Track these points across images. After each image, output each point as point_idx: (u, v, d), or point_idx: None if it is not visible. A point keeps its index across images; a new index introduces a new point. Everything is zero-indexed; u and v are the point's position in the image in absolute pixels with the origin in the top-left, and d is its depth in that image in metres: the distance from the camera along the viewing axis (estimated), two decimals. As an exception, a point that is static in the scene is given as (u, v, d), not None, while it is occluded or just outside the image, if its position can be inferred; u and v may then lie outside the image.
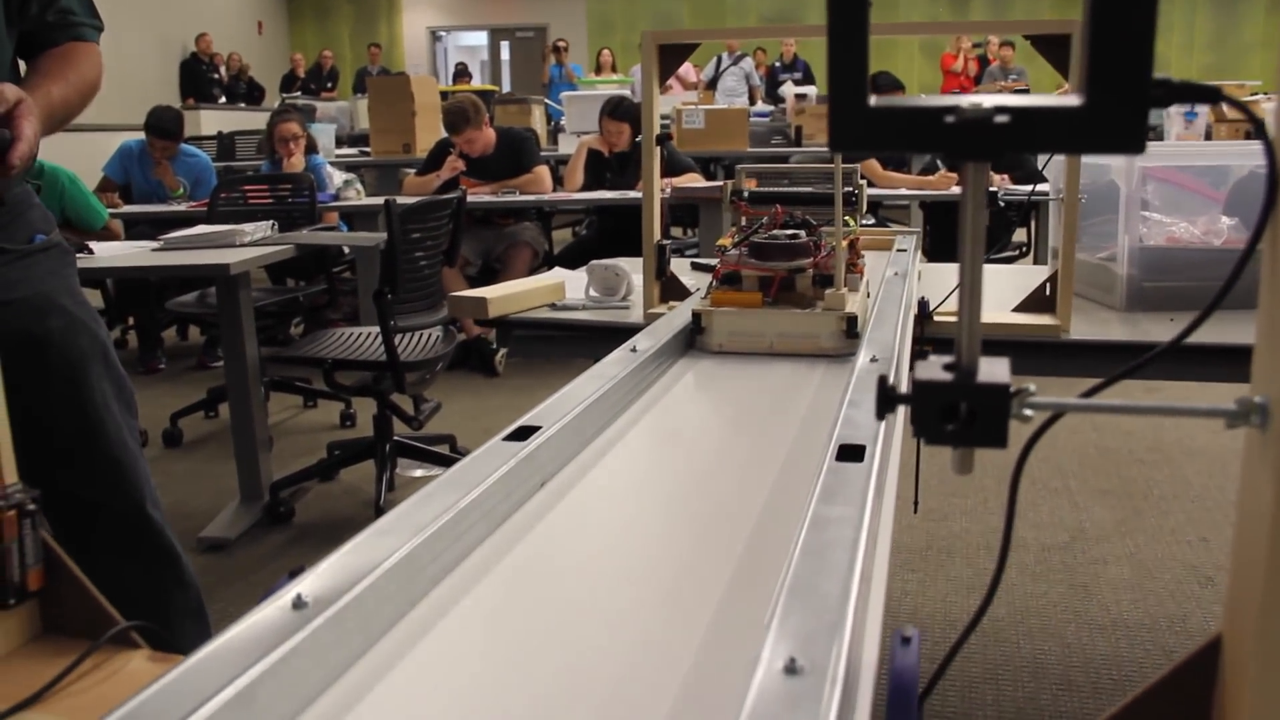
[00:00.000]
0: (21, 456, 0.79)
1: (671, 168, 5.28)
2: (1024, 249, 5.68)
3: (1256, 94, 7.47)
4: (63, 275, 1.60)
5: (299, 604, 0.65)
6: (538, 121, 7.85)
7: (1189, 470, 3.63)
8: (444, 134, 5.49)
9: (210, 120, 10.58)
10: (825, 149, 7.13)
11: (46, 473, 1.45)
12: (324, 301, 4.69)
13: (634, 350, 1.30)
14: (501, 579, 0.79)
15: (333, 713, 0.62)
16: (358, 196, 5.49)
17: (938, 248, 4.95)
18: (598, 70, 13.24)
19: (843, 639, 0.58)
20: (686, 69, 11.62)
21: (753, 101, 11.23)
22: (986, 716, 2.23)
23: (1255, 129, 0.51)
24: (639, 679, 0.66)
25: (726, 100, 10.78)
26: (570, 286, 2.09)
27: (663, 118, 1.70)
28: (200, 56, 14.27)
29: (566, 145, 7.18)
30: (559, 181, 5.68)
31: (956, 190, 5.05)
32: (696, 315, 1.48)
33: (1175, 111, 6.40)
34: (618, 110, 5.47)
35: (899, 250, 2.22)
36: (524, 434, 0.96)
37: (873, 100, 0.48)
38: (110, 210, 4.88)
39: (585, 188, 5.53)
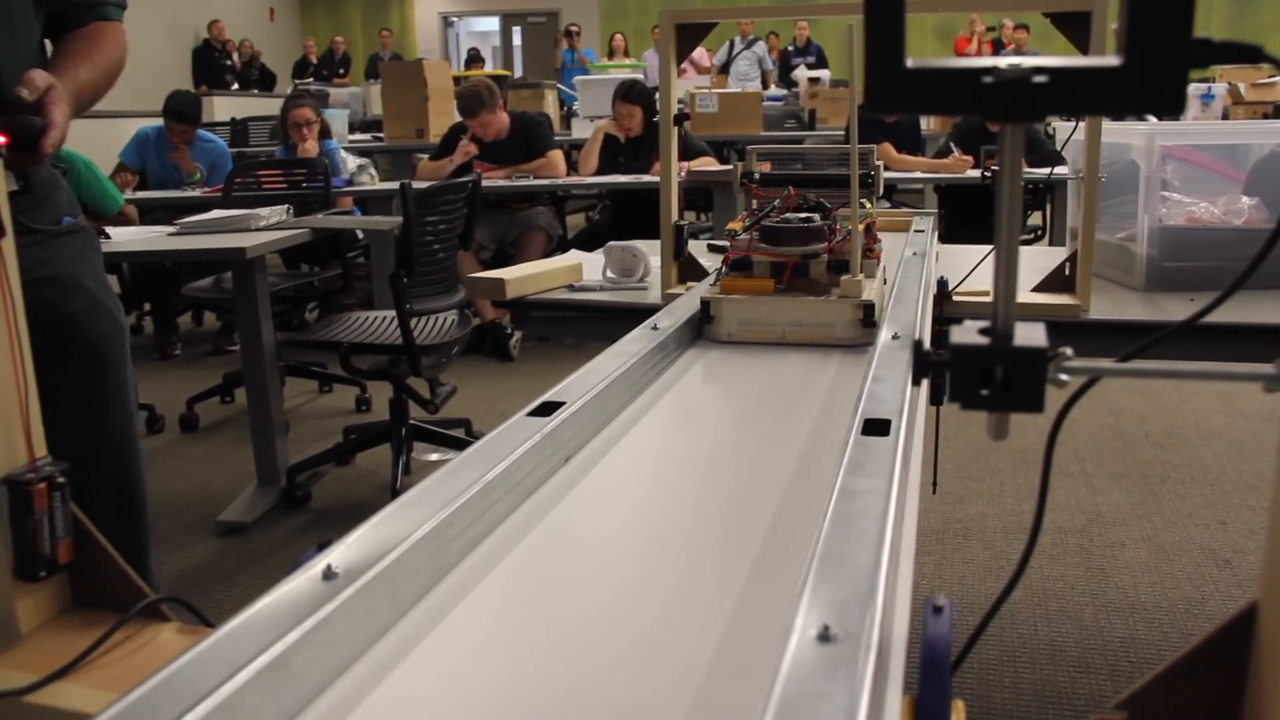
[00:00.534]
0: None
1: (686, 151, 5.27)
2: (1039, 232, 5.66)
3: (1275, 76, 7.41)
4: (88, 258, 1.61)
5: (329, 575, 0.65)
6: (551, 106, 7.84)
7: (1206, 454, 3.61)
8: (457, 119, 5.49)
9: (223, 106, 10.58)
10: (840, 133, 7.10)
11: (50, 453, 1.46)
12: (339, 286, 4.69)
13: (655, 328, 1.30)
14: (530, 551, 0.79)
15: (365, 682, 0.62)
16: (372, 181, 5.49)
17: (953, 230, 4.93)
18: (610, 55, 13.21)
19: (875, 608, 0.57)
20: (700, 53, 11.59)
21: (765, 86, 11.19)
22: (1004, 698, 2.23)
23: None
24: (670, 648, 0.66)
25: (739, 85, 10.75)
26: (587, 268, 2.09)
27: (678, 103, 1.70)
28: (213, 43, 14.28)
29: (580, 130, 7.17)
30: (573, 166, 5.68)
31: (972, 173, 5.03)
32: (705, 303, 1.42)
33: (1191, 93, 6.36)
34: (630, 93, 5.46)
35: (917, 231, 2.22)
36: (548, 409, 0.96)
37: (909, 62, 0.47)
38: (125, 196, 4.89)
39: (599, 172, 5.52)
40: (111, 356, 1.61)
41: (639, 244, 2.09)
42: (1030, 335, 0.49)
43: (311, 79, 13.91)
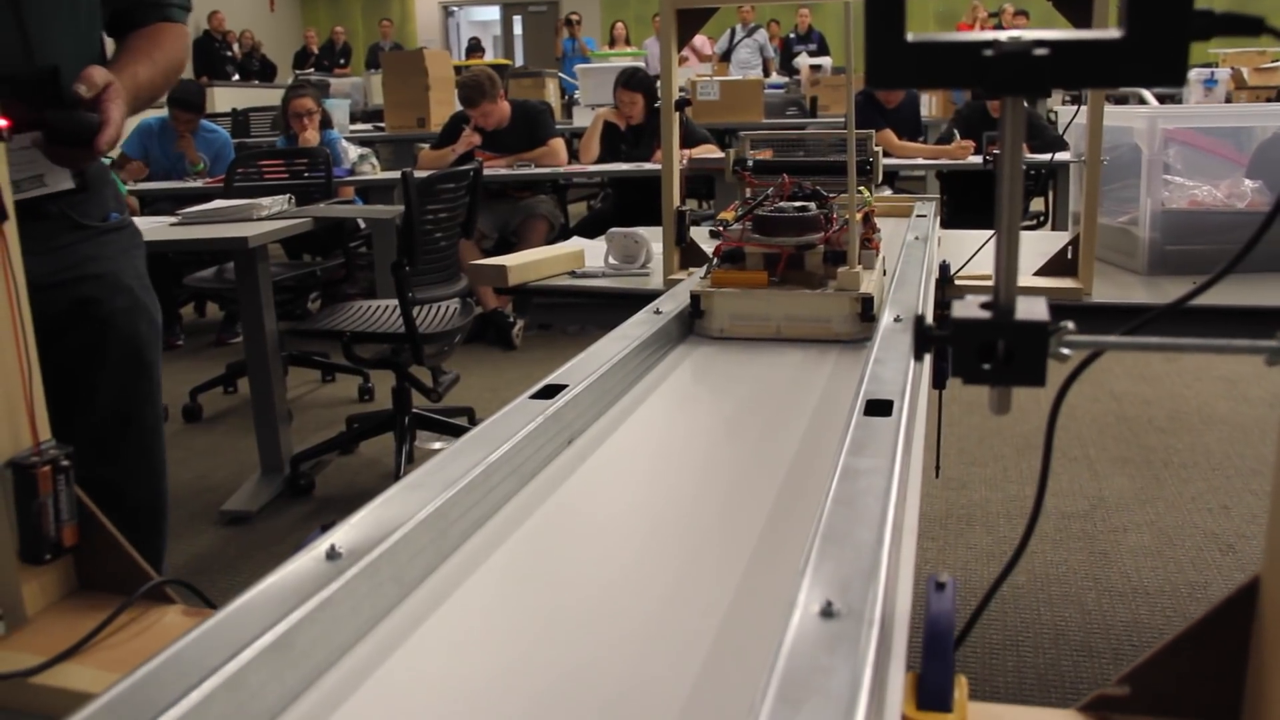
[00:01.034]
0: (60, 429, 0.79)
1: (687, 139, 5.26)
2: (1041, 218, 5.65)
3: (1279, 60, 7.38)
4: (132, 256, 1.61)
5: (333, 555, 0.65)
6: (552, 95, 7.83)
7: (1209, 439, 3.61)
8: (458, 108, 5.48)
9: (224, 97, 10.56)
10: (841, 120, 7.08)
11: (81, 452, 1.46)
12: (341, 276, 4.69)
13: (658, 312, 1.30)
14: (533, 532, 0.79)
15: (369, 661, 0.62)
16: (373, 171, 5.49)
17: (955, 217, 4.93)
18: (611, 44, 13.19)
19: (878, 584, 0.58)
20: (702, 41, 11.56)
21: (767, 73, 11.16)
22: (1007, 682, 2.23)
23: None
24: (674, 627, 0.66)
25: (740, 73, 10.72)
26: (589, 255, 2.08)
27: (679, 90, 1.70)
28: (213, 34, 14.25)
29: (581, 118, 7.16)
30: (574, 155, 5.67)
31: (974, 160, 5.02)
32: (695, 297, 1.35)
33: (1194, 79, 6.34)
34: (632, 80, 5.45)
35: (919, 216, 2.21)
36: (550, 392, 0.96)
37: (910, 36, 0.47)
38: (129, 187, 4.89)
39: (600, 160, 5.51)
40: (149, 357, 1.62)
41: (641, 230, 2.08)
42: (1032, 309, 0.49)
43: (312, 69, 13.89)
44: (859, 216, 1.36)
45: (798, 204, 1.41)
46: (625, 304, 1.79)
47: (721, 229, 1.41)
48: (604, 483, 0.89)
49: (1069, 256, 1.83)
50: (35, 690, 0.65)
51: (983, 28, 12.85)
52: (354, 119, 8.32)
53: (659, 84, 1.78)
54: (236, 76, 14.05)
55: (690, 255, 1.86)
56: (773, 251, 1.35)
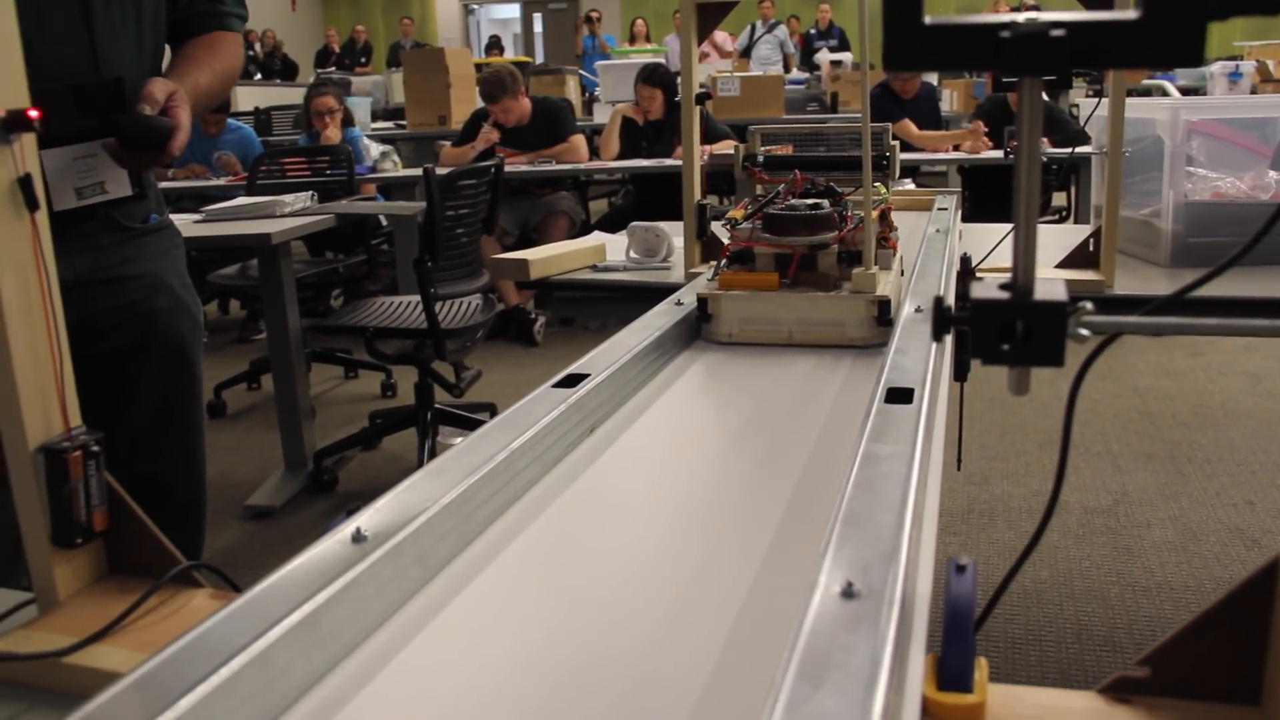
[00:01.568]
0: (105, 427, 0.80)
1: (708, 135, 5.26)
2: (1064, 213, 5.62)
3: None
4: (173, 256, 1.63)
5: (358, 538, 0.66)
6: (572, 92, 7.84)
7: (1234, 434, 3.59)
8: (479, 105, 5.50)
9: (246, 96, 10.60)
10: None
11: (126, 449, 1.47)
12: (363, 273, 4.71)
13: (679, 304, 1.30)
14: (556, 518, 0.80)
15: (394, 642, 0.63)
16: (395, 168, 5.51)
17: (977, 211, 4.91)
18: (631, 40, 13.18)
19: (898, 566, 0.58)
20: (723, 38, 11.54)
21: (787, 69, 11.14)
22: (1030, 677, 2.23)
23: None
24: (696, 609, 0.67)
25: (761, 69, 10.70)
26: (611, 250, 2.09)
27: (700, 86, 1.69)
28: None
29: (602, 115, 7.16)
30: (595, 151, 5.68)
31: (994, 154, 5.00)
32: (702, 300, 1.28)
33: (1219, 72, 6.30)
34: (653, 76, 5.46)
35: (940, 209, 2.21)
36: (572, 381, 0.97)
37: (927, 19, 0.48)
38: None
39: (621, 156, 5.52)
40: (191, 356, 1.64)
41: (662, 225, 2.09)
42: (1051, 290, 0.49)
43: (333, 68, 13.93)
44: (875, 214, 1.29)
45: (810, 201, 1.34)
46: (646, 298, 1.79)
47: (730, 228, 1.33)
48: (626, 470, 0.90)
49: (1091, 249, 1.82)
50: (67, 670, 0.67)
51: (1005, 22, 12.77)
52: (375, 117, 8.36)
53: (679, 80, 1.78)
54: (259, 76, 14.11)
55: (711, 249, 1.86)
56: (784, 252, 1.28)
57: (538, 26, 17.86)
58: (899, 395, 0.87)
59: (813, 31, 12.93)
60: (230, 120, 5.64)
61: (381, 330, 3.27)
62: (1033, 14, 0.46)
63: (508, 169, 4.60)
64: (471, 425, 3.59)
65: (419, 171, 3.63)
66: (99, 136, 1.28)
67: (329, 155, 4.83)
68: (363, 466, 3.66)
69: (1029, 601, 2.52)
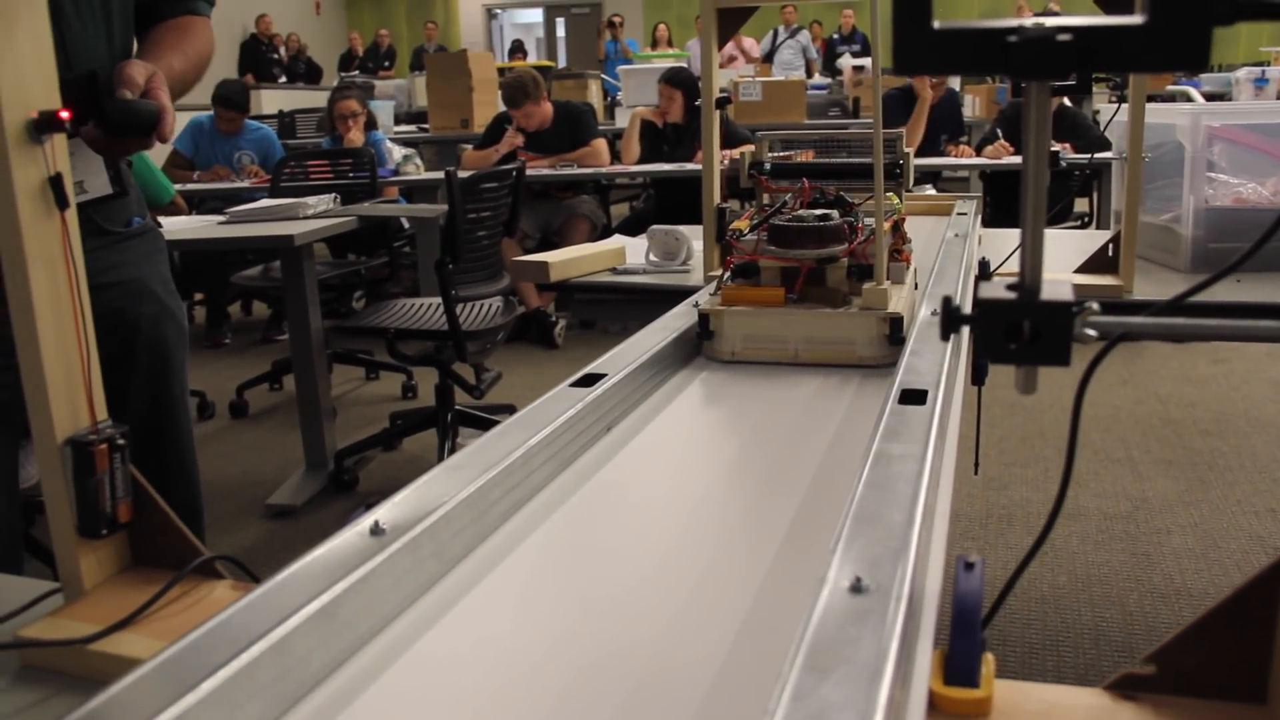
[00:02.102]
0: None
1: (729, 139, 5.26)
2: (1087, 220, 5.60)
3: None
4: (155, 261, 1.60)
5: (376, 531, 0.67)
6: (594, 97, 7.85)
7: (1256, 442, 3.57)
8: (502, 109, 5.52)
9: (271, 99, 10.67)
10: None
11: None
12: (385, 275, 4.74)
13: (697, 305, 1.31)
14: (571, 514, 0.81)
15: (412, 632, 0.64)
16: (417, 171, 5.54)
17: (998, 218, 4.90)
18: (654, 45, 13.20)
19: (907, 562, 0.59)
20: (751, 43, 11.55)
21: (810, 74, 11.14)
22: (1046, 682, 2.22)
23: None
24: (707, 605, 0.67)
25: (783, 74, 10.70)
26: (630, 253, 2.10)
27: (720, 90, 1.69)
28: (260, 37, 14.42)
29: (624, 120, 7.17)
30: (616, 156, 5.69)
31: (1015, 159, 4.99)
32: (704, 316, 1.22)
33: (1244, 77, 6.26)
34: (674, 78, 5.48)
35: (959, 214, 2.21)
36: (590, 381, 0.98)
37: (936, 24, 0.48)
38: (177, 186, 4.97)
39: (642, 160, 5.53)
40: (176, 361, 1.61)
41: (681, 228, 2.10)
42: (1057, 290, 0.50)
43: (357, 71, 14.01)
44: (888, 225, 1.23)
45: (819, 212, 1.26)
46: (665, 300, 1.80)
47: (734, 240, 1.27)
48: (642, 469, 0.91)
49: (1110, 254, 1.82)
50: (92, 656, 0.68)
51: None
52: (398, 120, 8.40)
53: (700, 84, 1.78)
54: (283, 79, 14.21)
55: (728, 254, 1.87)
56: (790, 265, 1.22)
57: (560, 31, 17.91)
58: (913, 396, 0.88)
59: (835, 36, 12.93)
60: (250, 121, 5.68)
61: (403, 332, 3.29)
62: (1040, 19, 0.47)
63: (529, 172, 4.62)
64: (491, 426, 3.60)
65: (441, 174, 3.66)
66: (74, 135, 1.25)
67: (352, 158, 4.86)
68: (383, 467, 3.68)
69: (1047, 607, 2.51)
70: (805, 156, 1.77)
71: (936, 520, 0.72)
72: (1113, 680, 0.59)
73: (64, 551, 0.75)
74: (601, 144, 5.45)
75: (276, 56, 14.55)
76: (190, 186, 5.32)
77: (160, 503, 0.78)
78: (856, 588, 0.56)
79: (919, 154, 5.43)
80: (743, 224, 1.28)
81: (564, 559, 0.74)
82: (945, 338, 0.51)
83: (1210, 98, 6.38)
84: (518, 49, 14.73)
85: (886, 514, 0.65)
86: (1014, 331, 0.50)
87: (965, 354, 1.16)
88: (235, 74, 13.61)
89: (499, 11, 18.37)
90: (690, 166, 5.19)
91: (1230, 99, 6.54)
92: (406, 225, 5.34)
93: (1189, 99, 5.79)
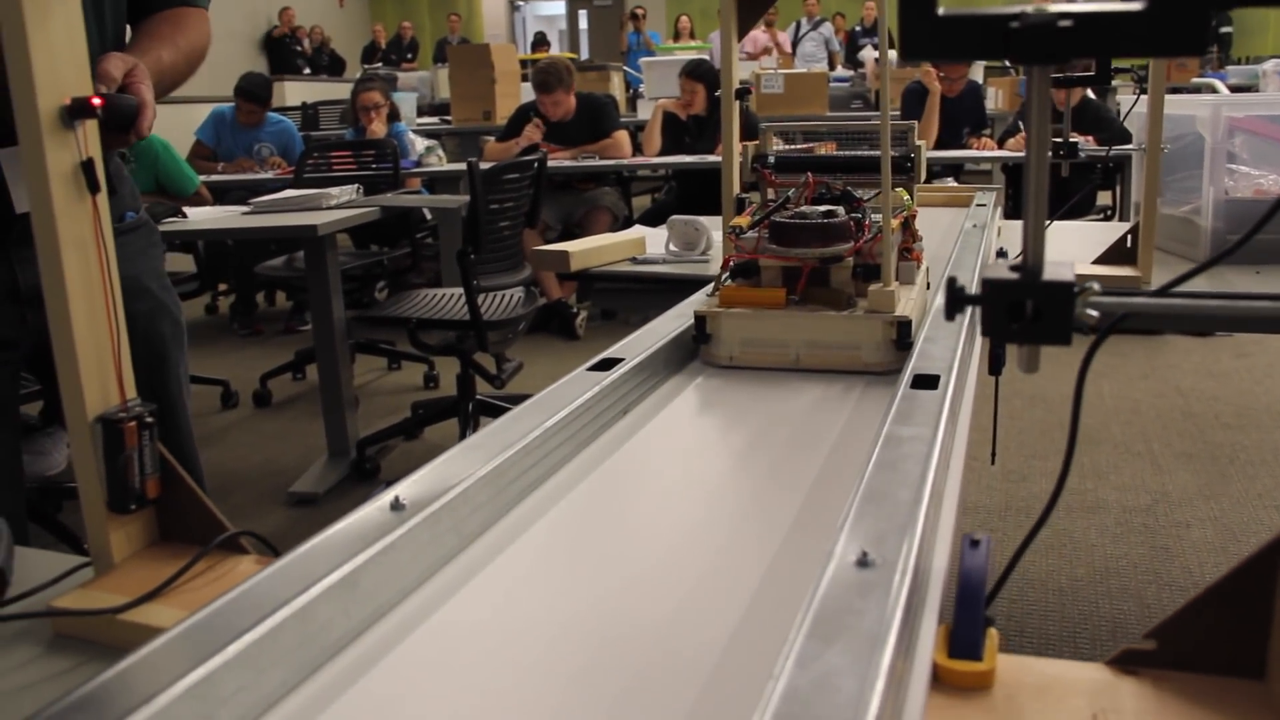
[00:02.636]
0: None
1: (749, 132, 5.26)
2: (1109, 212, 5.58)
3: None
4: (150, 256, 1.58)
5: (397, 506, 0.69)
6: (616, 89, 7.87)
7: (1278, 436, 3.55)
8: (524, 100, 5.54)
9: (295, 91, 10.74)
10: (903, 111, 7.04)
11: None
12: (407, 265, 4.77)
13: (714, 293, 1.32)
14: (587, 493, 0.83)
15: (430, 603, 0.66)
16: (439, 163, 5.57)
17: (1020, 209, 4.88)
18: (676, 37, 13.20)
19: (913, 539, 0.60)
20: (783, 38, 11.53)
21: (832, 67, 11.11)
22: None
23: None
24: (718, 580, 0.69)
25: (806, 66, 10.68)
26: (651, 243, 2.12)
27: (741, 82, 1.68)
28: (284, 30, 14.50)
29: (646, 112, 7.18)
30: (638, 148, 5.71)
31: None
32: (700, 318, 1.16)
33: (1271, 69, 6.21)
34: (695, 71, 5.49)
35: (978, 205, 2.22)
36: (607, 365, 0.99)
37: (940, 10, 0.50)
38: (201, 177, 5.02)
39: (664, 152, 5.54)
40: (173, 358, 1.60)
41: (701, 218, 2.11)
42: (1059, 271, 0.51)
43: (380, 64, 14.07)
44: (896, 222, 1.17)
45: (824, 208, 1.19)
46: (685, 290, 1.81)
47: (733, 237, 1.21)
48: (658, 451, 0.93)
49: (1128, 245, 1.83)
50: (122, 626, 0.70)
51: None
52: (421, 112, 8.44)
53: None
54: (307, 71, 14.28)
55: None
56: (792, 265, 1.15)
57: (583, 23, 17.91)
58: (924, 381, 0.89)
59: (858, 29, 12.88)
60: (271, 114, 5.72)
61: (424, 321, 3.31)
62: (1042, 5, 0.48)
63: (551, 163, 4.64)
64: (512, 416, 3.62)
65: (463, 166, 3.68)
66: None
67: (375, 149, 4.89)
68: (404, 456, 3.71)
69: (1065, 600, 2.52)
70: (827, 149, 1.75)
71: (945, 500, 0.73)
72: (1114, 655, 0.60)
73: (95, 526, 0.78)
74: (623, 136, 5.47)
75: (300, 49, 14.62)
76: (215, 178, 5.36)
77: (187, 479, 0.80)
78: (863, 562, 0.58)
79: (941, 146, 5.42)
80: (743, 220, 1.23)
81: (580, 535, 0.76)
82: (950, 317, 0.52)
83: (1237, 90, 6.33)
84: (541, 41, 14.77)
85: (895, 493, 0.67)
86: (1017, 311, 0.51)
87: (979, 340, 1.17)
88: (261, 66, 13.69)
89: (522, 4, 18.40)
90: (711, 158, 5.20)
91: (1258, 91, 6.49)
92: (429, 216, 5.37)
93: (1214, 91, 5.76)
